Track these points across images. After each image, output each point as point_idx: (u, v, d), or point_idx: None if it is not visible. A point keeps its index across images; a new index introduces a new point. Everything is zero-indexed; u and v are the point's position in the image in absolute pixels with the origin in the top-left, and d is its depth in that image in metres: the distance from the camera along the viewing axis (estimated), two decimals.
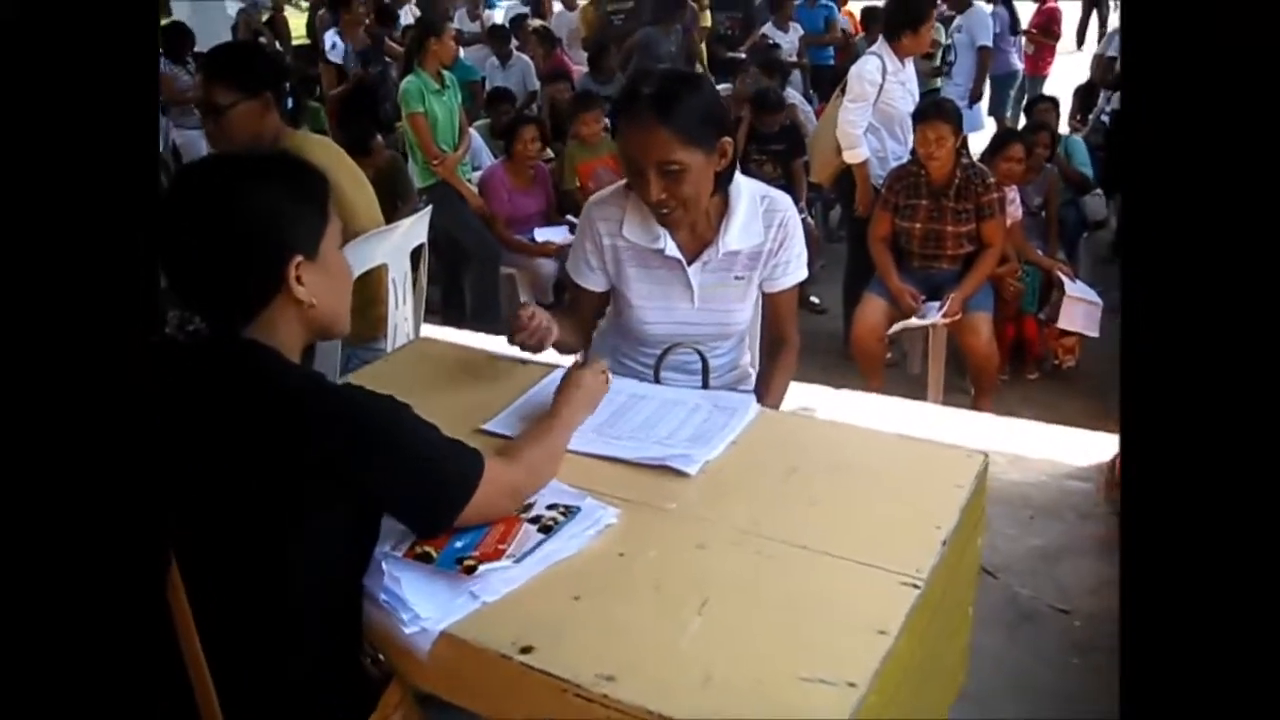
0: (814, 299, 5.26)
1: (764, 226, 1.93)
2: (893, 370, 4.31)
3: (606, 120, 5.04)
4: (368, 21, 6.96)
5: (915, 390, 4.04)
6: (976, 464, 1.50)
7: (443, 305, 5.35)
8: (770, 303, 2.06)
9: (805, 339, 4.72)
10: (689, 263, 1.94)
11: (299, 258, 1.25)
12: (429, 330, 4.34)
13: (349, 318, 1.39)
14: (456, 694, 1.25)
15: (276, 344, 1.26)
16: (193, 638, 1.15)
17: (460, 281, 5.30)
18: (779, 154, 5.40)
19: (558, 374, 1.81)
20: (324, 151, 2.57)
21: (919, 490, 1.46)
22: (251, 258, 1.23)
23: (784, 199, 1.98)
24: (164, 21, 7.50)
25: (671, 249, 1.92)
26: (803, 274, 2.02)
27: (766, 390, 2.03)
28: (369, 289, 2.61)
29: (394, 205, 4.50)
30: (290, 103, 2.53)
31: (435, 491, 1.27)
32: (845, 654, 1.13)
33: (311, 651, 1.24)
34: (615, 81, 7.22)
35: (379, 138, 5.25)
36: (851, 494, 1.46)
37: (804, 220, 5.25)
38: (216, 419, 1.20)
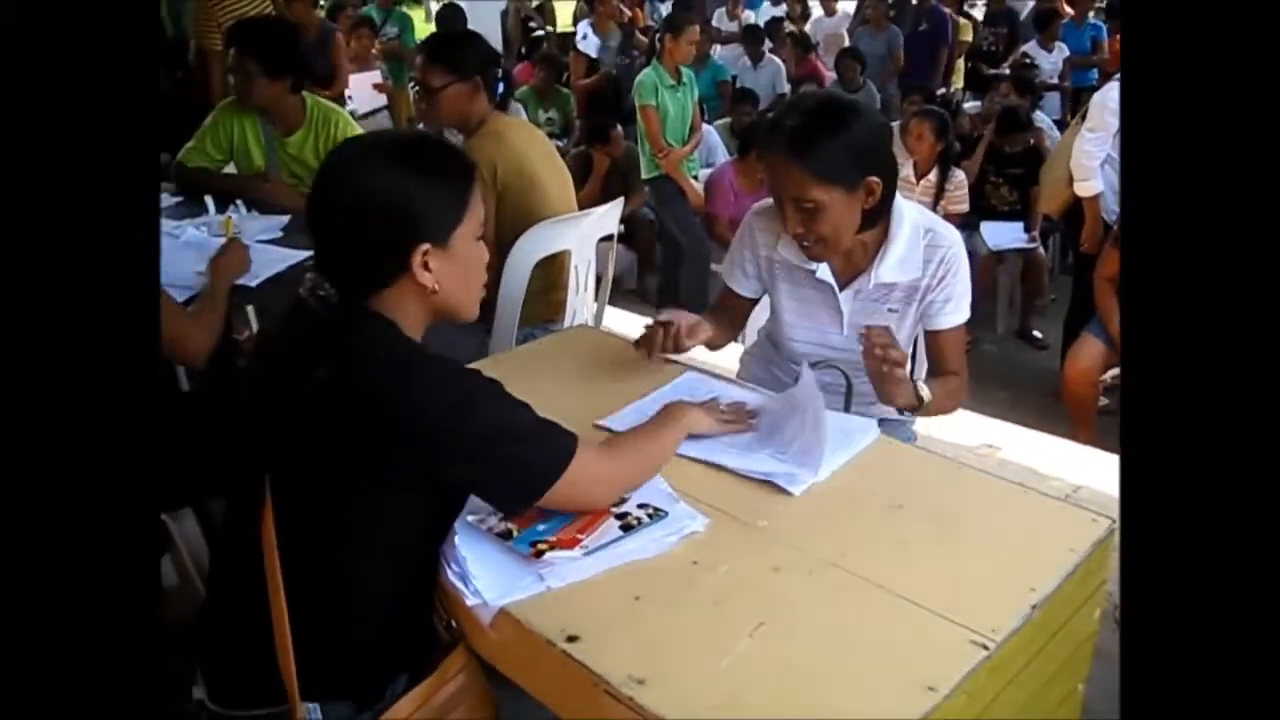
0: (1037, 333, 4.99)
1: (924, 261, 1.84)
2: (1107, 418, 4.02)
3: None
4: (627, 14, 7.19)
5: None
6: (1099, 529, 1.39)
7: (658, 297, 5.45)
8: (932, 340, 1.95)
9: (1020, 374, 4.46)
10: (841, 289, 1.89)
11: (426, 245, 1.29)
12: (642, 320, 4.45)
13: (475, 306, 1.42)
14: (509, 669, 1.30)
15: (397, 319, 1.31)
16: (275, 570, 1.25)
17: (677, 275, 5.37)
18: (1017, 178, 5.13)
19: (688, 378, 1.81)
20: (522, 135, 2.69)
21: (1026, 548, 1.37)
22: (380, 240, 1.28)
23: (950, 234, 1.87)
24: (439, 4, 8.01)
25: (824, 273, 1.88)
26: (963, 316, 1.89)
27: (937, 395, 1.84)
28: (552, 273, 2.70)
29: (625, 194, 4.63)
30: (501, 88, 2.65)
31: (516, 473, 1.29)
32: (884, 705, 1.08)
33: (381, 607, 1.32)
34: (864, 89, 7.11)
35: (619, 128, 5.41)
36: (951, 540, 1.38)
37: (1036, 250, 5.02)
38: (322, 377, 1.27)
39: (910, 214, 1.86)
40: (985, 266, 4.80)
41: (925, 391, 1.76)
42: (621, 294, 5.54)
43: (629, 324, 4.20)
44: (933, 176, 4.71)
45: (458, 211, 1.33)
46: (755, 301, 2.07)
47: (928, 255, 1.84)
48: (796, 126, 1.67)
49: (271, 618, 1.26)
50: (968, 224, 4.84)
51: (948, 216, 4.60)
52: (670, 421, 1.53)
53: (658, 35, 5.04)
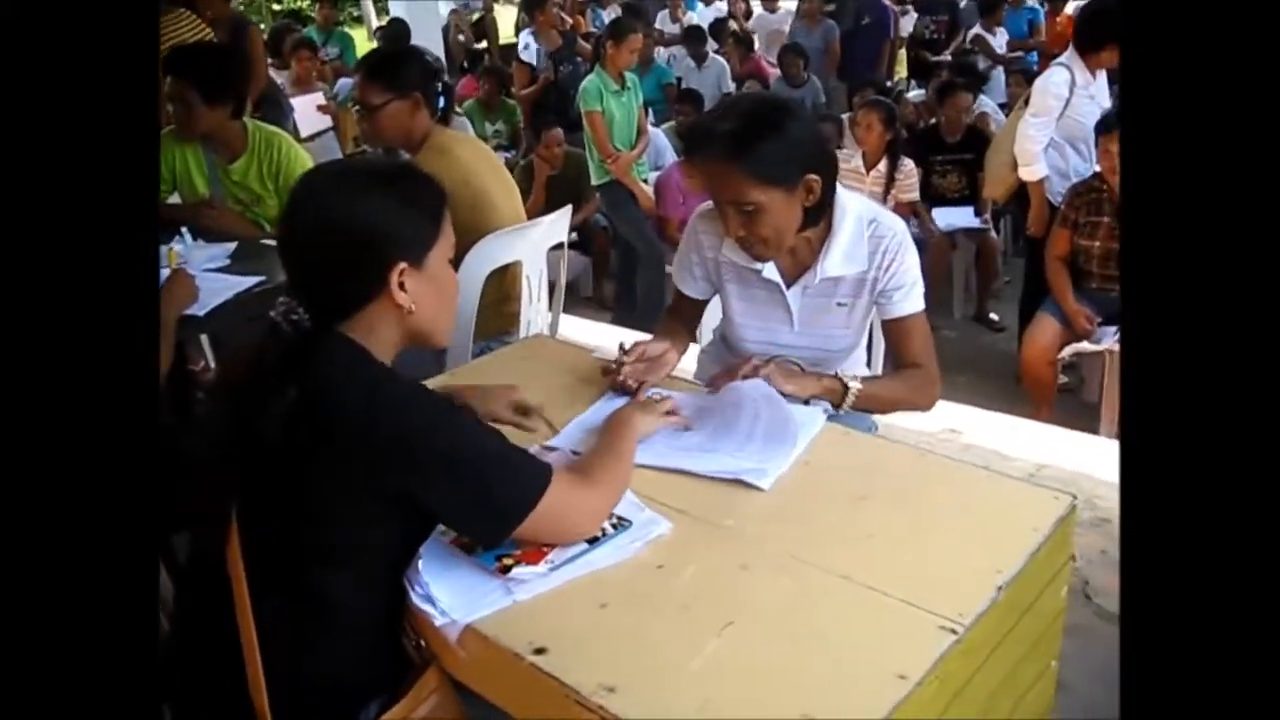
0: (993, 315, 5.05)
1: (868, 253, 1.83)
2: (1068, 395, 4.07)
3: None
4: (569, 22, 7.18)
5: (1089, 419, 3.79)
6: (1060, 507, 1.40)
7: (615, 303, 5.44)
8: (890, 331, 1.93)
9: (979, 358, 4.47)
10: (788, 286, 1.89)
11: (403, 264, 1.30)
12: (597, 328, 4.44)
13: (449, 331, 1.42)
14: (480, 686, 1.28)
15: (369, 343, 1.31)
16: (244, 599, 1.23)
17: (633, 280, 5.36)
18: (966, 164, 5.16)
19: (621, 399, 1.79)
20: (467, 149, 2.67)
21: (990, 530, 1.37)
22: (358, 257, 1.29)
23: (893, 225, 1.86)
24: (383, 20, 7.95)
25: (770, 272, 1.87)
26: (917, 303, 1.87)
27: (875, 385, 1.85)
28: (504, 285, 2.68)
29: (575, 202, 4.62)
30: (442, 102, 2.63)
31: (484, 500, 1.26)
32: (856, 696, 1.08)
33: (354, 633, 1.30)
34: (808, 85, 7.15)
35: (558, 130, 5.39)
36: (917, 528, 1.39)
37: (989, 233, 5.07)
38: (291, 401, 1.25)
39: (853, 206, 1.84)
40: (939, 251, 4.83)
41: (852, 381, 1.78)
42: (579, 301, 5.53)
43: (586, 332, 4.19)
44: (882, 166, 4.74)
45: (432, 232, 1.35)
46: (707, 302, 2.07)
47: (872, 246, 1.83)
48: (732, 130, 1.66)
49: (241, 648, 1.24)
50: (919, 211, 4.87)
51: (899, 205, 4.64)
52: (621, 431, 1.52)
53: (600, 41, 5.04)
